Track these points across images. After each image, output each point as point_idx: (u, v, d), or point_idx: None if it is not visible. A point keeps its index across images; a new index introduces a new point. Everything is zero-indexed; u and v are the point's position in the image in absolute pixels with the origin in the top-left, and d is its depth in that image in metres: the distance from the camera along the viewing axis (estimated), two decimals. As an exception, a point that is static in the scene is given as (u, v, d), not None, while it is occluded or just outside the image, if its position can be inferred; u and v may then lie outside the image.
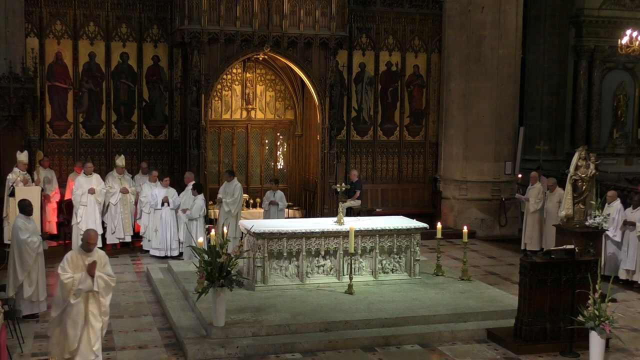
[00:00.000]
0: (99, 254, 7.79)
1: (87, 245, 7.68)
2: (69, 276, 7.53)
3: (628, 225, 12.82)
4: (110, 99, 16.58)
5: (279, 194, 15.29)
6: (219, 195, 14.46)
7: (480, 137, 17.43)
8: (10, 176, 13.26)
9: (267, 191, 15.63)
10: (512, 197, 17.62)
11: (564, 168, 17.62)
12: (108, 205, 14.80)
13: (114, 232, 14.87)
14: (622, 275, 12.87)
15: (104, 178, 14.98)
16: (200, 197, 13.93)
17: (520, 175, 18.19)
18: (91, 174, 14.58)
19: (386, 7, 18.01)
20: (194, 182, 14.35)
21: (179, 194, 14.47)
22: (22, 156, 13.49)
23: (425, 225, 11.96)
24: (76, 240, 14.49)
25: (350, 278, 11.00)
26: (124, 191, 14.90)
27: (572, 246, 9.69)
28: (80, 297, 7.57)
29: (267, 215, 15.24)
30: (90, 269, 7.54)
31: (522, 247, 15.40)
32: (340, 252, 11.33)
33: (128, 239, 15.07)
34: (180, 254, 14.26)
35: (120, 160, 15.07)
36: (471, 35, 17.33)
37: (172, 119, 16.99)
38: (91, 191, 14.31)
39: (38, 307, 10.29)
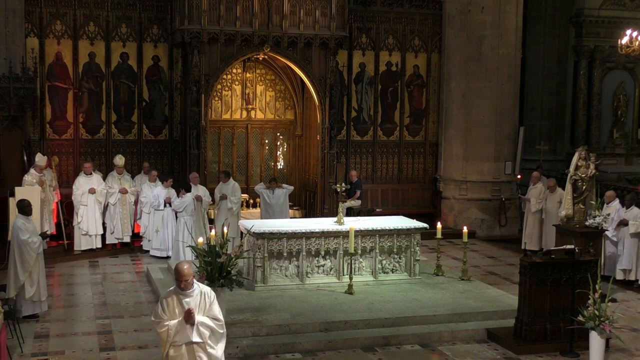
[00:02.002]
0: (203, 292, 6.35)
1: (179, 284, 6.24)
2: (164, 324, 6.22)
3: (622, 225, 12.82)
4: (110, 99, 16.57)
5: (278, 191, 15.30)
6: (223, 193, 14.40)
7: (480, 137, 17.43)
8: (26, 177, 13.35)
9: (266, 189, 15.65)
10: (512, 197, 17.62)
11: (564, 168, 17.63)
12: (107, 205, 14.81)
13: (113, 232, 14.87)
14: (619, 276, 12.83)
15: (104, 178, 15.00)
16: (189, 195, 13.85)
17: (519, 176, 18.18)
18: (91, 173, 14.62)
19: (386, 7, 17.99)
20: (195, 183, 14.34)
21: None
22: (42, 160, 13.68)
23: (425, 225, 11.97)
24: (78, 241, 14.55)
25: (350, 278, 11.01)
26: (123, 191, 14.88)
27: (572, 246, 9.68)
28: (183, 348, 6.24)
29: (264, 201, 15.11)
30: (188, 318, 6.15)
31: (522, 247, 15.40)
32: (340, 252, 11.33)
33: (127, 239, 15.06)
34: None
35: (120, 160, 15.08)
36: (471, 35, 17.33)
37: (172, 119, 16.98)
38: (91, 191, 14.36)
39: (40, 307, 10.28)
